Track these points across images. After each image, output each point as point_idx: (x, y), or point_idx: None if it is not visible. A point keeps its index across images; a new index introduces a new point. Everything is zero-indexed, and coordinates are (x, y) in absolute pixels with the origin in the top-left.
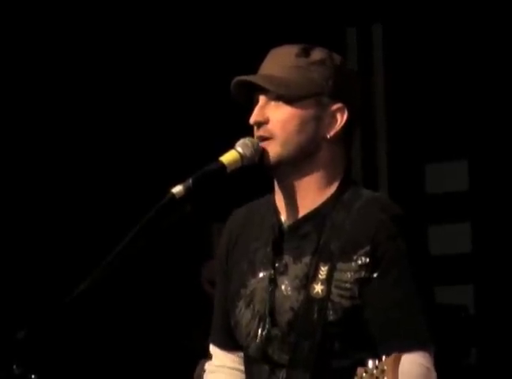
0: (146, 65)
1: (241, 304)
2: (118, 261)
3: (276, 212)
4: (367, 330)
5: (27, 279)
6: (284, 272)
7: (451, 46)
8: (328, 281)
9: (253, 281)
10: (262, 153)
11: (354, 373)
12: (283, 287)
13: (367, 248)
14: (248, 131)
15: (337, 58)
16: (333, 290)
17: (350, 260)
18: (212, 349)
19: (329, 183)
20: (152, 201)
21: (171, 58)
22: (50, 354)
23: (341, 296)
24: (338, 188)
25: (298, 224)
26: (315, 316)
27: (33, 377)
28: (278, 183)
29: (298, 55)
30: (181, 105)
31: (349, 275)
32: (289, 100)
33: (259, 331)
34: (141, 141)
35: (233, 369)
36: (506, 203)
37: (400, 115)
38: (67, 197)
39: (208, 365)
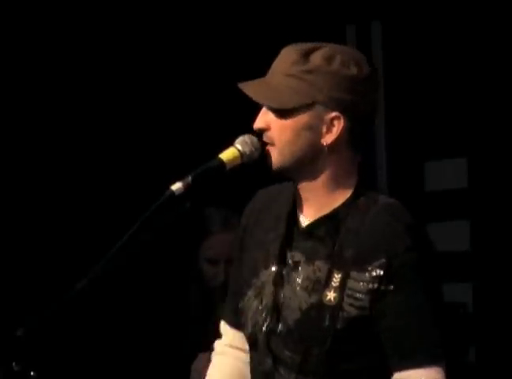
0: (146, 64)
1: (250, 293)
2: (118, 259)
3: (295, 206)
4: (375, 339)
5: (27, 277)
6: (295, 269)
7: (450, 44)
8: (340, 289)
9: (265, 273)
10: (267, 157)
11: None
12: (292, 285)
13: (383, 260)
14: (248, 128)
15: (338, 60)
16: (345, 298)
17: (364, 270)
18: (223, 326)
19: (340, 187)
20: (152, 199)
21: (172, 57)
22: (50, 351)
23: (351, 305)
24: (353, 193)
25: (313, 225)
26: (327, 323)
27: (32, 374)
28: (293, 182)
29: (295, 62)
30: (180, 103)
31: (362, 286)
32: (282, 112)
33: (265, 324)
34: (140, 140)
35: (241, 349)
36: (505, 201)
37: (399, 113)
38: (67, 196)
39: (216, 345)
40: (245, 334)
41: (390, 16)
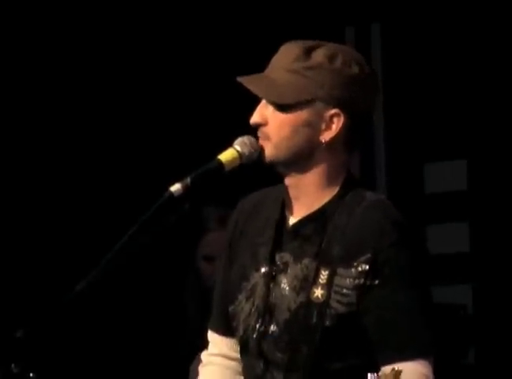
0: (146, 63)
1: (241, 297)
2: (117, 261)
3: (283, 207)
4: (363, 335)
5: (26, 278)
6: (284, 269)
7: (449, 46)
8: (328, 286)
9: (255, 275)
10: (261, 151)
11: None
12: (282, 286)
13: (368, 255)
14: (248, 129)
15: (340, 59)
16: (332, 295)
17: (350, 266)
18: (211, 335)
19: (330, 184)
20: (151, 200)
21: (171, 57)
22: (49, 352)
23: (338, 302)
24: (340, 189)
25: (301, 224)
26: (314, 320)
27: (32, 375)
28: (283, 178)
29: (297, 58)
30: (179, 104)
31: (348, 282)
32: (282, 107)
33: (257, 326)
34: (140, 141)
35: (230, 358)
36: (504, 202)
37: (399, 114)
38: (67, 196)
39: (203, 356)
40: (236, 338)
41: (390, 18)
